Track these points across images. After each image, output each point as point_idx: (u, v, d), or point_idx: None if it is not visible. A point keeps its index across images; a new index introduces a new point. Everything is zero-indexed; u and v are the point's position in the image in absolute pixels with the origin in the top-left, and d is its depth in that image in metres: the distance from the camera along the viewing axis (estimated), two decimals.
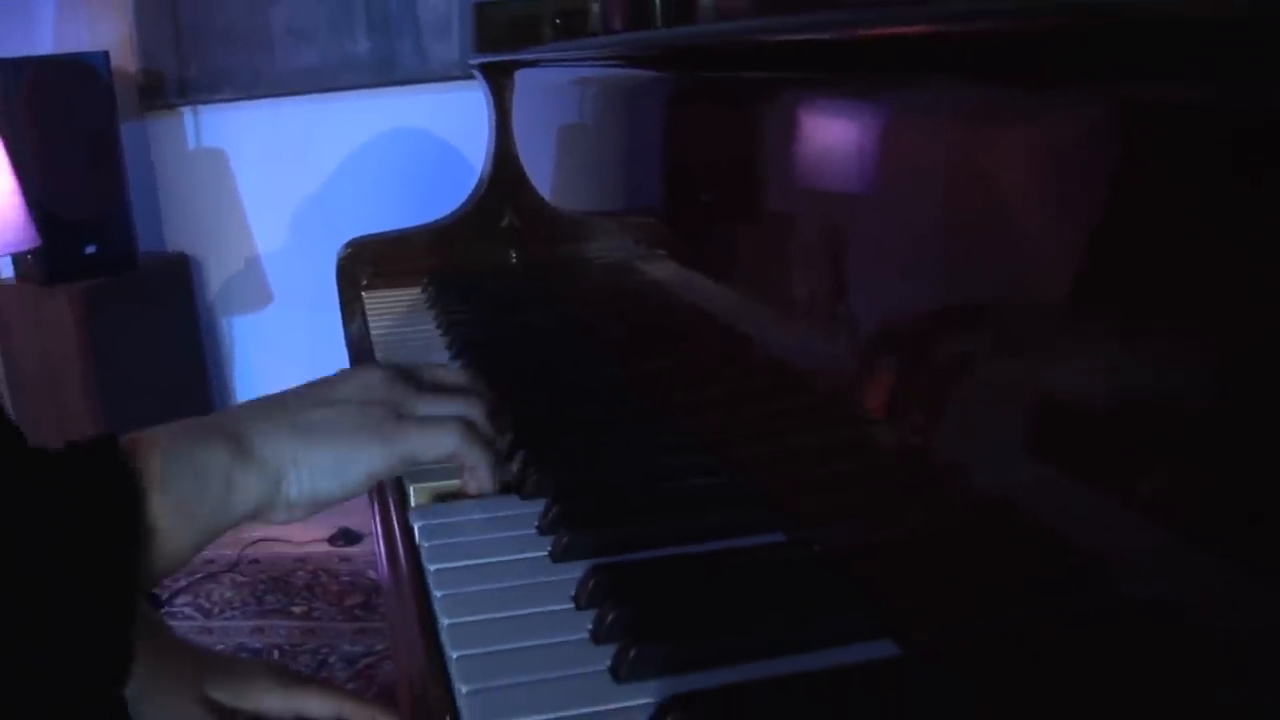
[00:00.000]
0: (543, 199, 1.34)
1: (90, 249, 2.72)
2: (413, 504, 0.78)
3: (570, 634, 0.59)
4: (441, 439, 0.71)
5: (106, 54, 2.76)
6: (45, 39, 2.98)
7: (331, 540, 2.67)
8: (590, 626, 0.59)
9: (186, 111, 3.06)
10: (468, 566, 0.68)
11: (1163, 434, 0.38)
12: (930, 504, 0.54)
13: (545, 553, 0.68)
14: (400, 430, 0.69)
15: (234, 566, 2.58)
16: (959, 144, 0.50)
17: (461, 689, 0.55)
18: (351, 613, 2.38)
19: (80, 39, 2.96)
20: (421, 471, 0.77)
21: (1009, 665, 0.48)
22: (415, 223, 1.50)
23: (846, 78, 0.61)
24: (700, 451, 0.83)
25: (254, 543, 2.63)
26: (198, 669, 0.85)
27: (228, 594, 2.49)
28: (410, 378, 0.74)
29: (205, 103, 3.04)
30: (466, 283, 1.35)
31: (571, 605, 0.62)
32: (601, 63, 1.04)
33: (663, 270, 0.93)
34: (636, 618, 0.58)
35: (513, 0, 1.43)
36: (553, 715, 0.52)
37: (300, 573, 2.57)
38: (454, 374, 0.78)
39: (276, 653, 2.24)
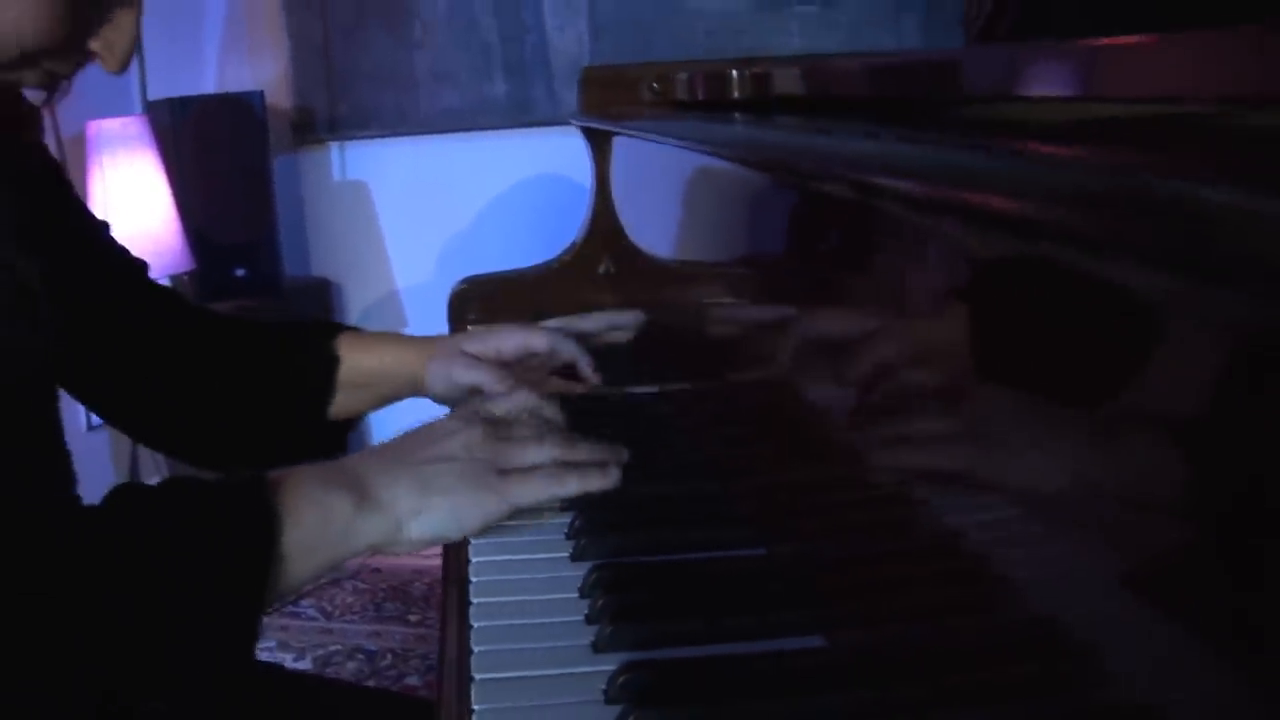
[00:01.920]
0: (637, 248, 1.46)
1: (240, 272, 2.88)
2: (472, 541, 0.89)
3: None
4: (539, 489, 0.83)
5: (262, 93, 2.94)
6: (210, 78, 3.19)
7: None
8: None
9: (334, 146, 3.23)
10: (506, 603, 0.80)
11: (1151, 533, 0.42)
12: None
13: (582, 618, 0.78)
14: (505, 483, 0.82)
15: (356, 574, 2.74)
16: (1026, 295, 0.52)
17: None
18: None
19: (241, 78, 3.16)
20: None
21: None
22: (544, 257, 1.63)
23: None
24: (749, 530, 0.89)
25: (377, 553, 2.78)
26: (457, 341, 1.12)
27: (349, 599, 2.65)
28: (503, 430, 0.87)
29: (352, 138, 3.21)
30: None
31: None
32: (685, 146, 1.16)
33: (743, 326, 1.03)
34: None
35: (616, 65, 1.55)
36: None
37: (418, 584, 2.72)
38: (535, 417, 0.91)
39: (390, 656, 2.40)
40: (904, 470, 0.66)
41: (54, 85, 0.86)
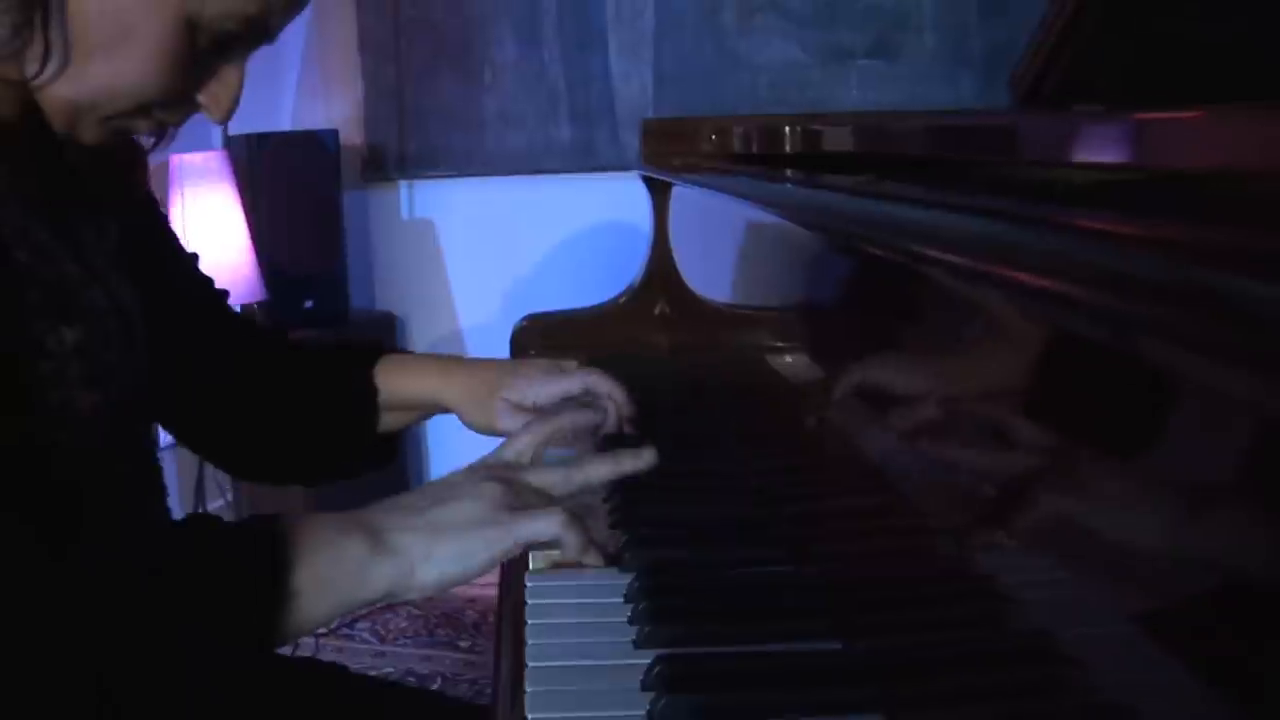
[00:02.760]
0: (693, 292, 1.53)
1: (308, 303, 2.97)
2: (530, 568, 0.93)
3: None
4: (544, 525, 0.86)
5: (336, 131, 3.05)
6: (286, 115, 3.31)
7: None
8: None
9: (404, 184, 3.33)
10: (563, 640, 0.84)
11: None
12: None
13: (630, 640, 0.81)
14: (512, 518, 0.85)
15: (410, 600, 2.81)
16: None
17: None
18: None
19: (315, 116, 3.27)
20: None
21: None
22: (604, 297, 1.71)
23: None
24: (789, 561, 0.92)
25: (391, 600, 2.85)
26: (494, 378, 1.18)
27: (403, 624, 2.73)
28: (514, 471, 0.92)
29: (421, 177, 3.30)
30: (620, 363, 1.55)
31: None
32: (740, 200, 1.23)
33: (793, 374, 1.09)
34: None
35: (675, 118, 1.63)
36: None
37: (470, 611, 2.79)
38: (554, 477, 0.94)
39: (440, 679, 2.47)
40: (934, 505, 0.71)
41: (163, 132, 0.94)
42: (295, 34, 3.25)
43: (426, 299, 3.38)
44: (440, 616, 2.76)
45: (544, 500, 0.90)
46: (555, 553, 0.90)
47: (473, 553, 0.83)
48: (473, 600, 2.82)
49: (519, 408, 1.14)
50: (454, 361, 1.26)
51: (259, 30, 0.89)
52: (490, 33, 3.18)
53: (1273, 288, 0.38)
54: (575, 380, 1.17)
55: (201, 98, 0.91)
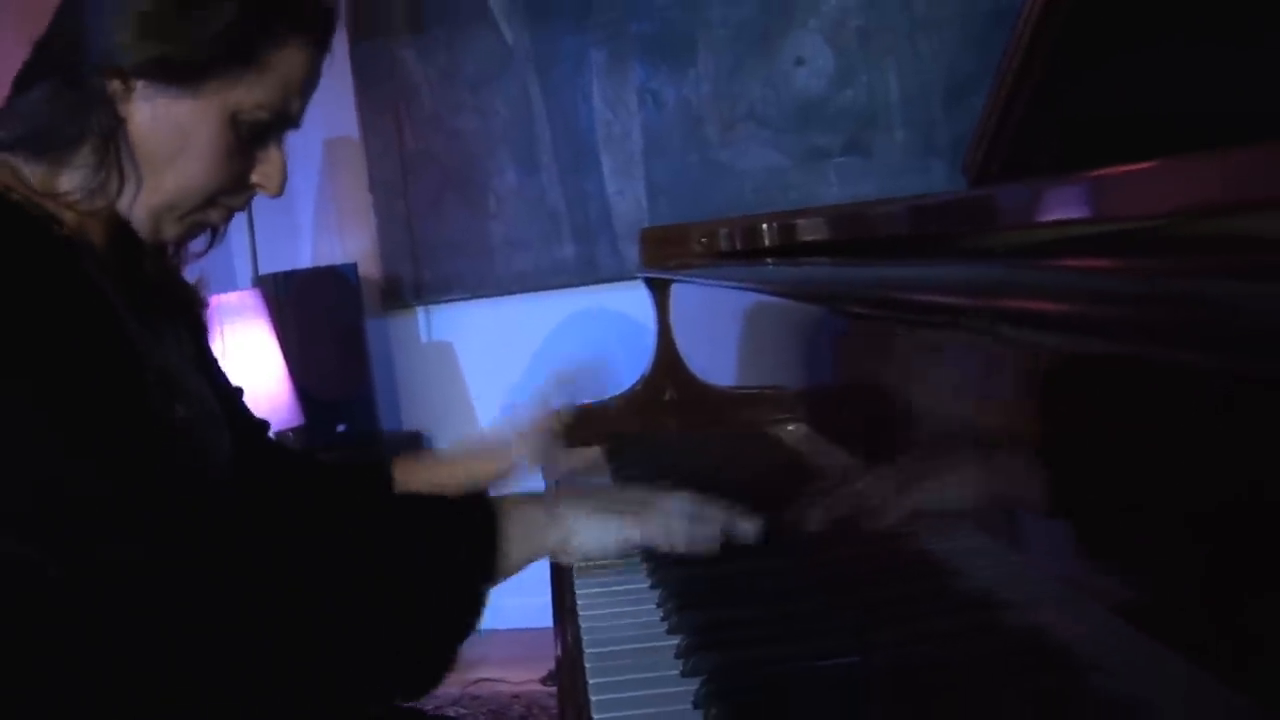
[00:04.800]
0: (695, 377, 1.73)
1: (341, 428, 3.14)
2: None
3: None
4: (657, 530, 1.10)
5: (355, 265, 3.25)
6: (306, 252, 3.52)
7: (543, 680, 2.96)
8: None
9: (420, 310, 3.51)
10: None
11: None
12: None
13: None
14: (637, 519, 1.11)
15: (457, 701, 2.94)
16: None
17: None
18: None
19: (334, 252, 3.48)
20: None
21: None
22: (614, 393, 1.89)
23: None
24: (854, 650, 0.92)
25: (475, 681, 2.99)
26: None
27: None
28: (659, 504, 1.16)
29: (436, 303, 3.48)
30: (636, 444, 1.73)
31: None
32: (732, 286, 1.42)
33: (790, 439, 1.23)
34: None
35: (668, 226, 1.84)
36: None
37: (516, 707, 2.91)
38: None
39: None
40: (933, 542, 0.78)
41: (227, 220, 1.14)
42: (309, 178, 3.45)
43: (451, 416, 3.52)
44: (487, 715, 2.89)
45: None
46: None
47: (607, 533, 1.11)
48: (517, 696, 2.94)
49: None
50: (460, 453, 1.53)
51: (285, 116, 1.09)
52: (491, 163, 3.38)
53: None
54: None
55: (255, 178, 1.11)
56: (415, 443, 3.45)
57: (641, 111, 3.29)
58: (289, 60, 1.06)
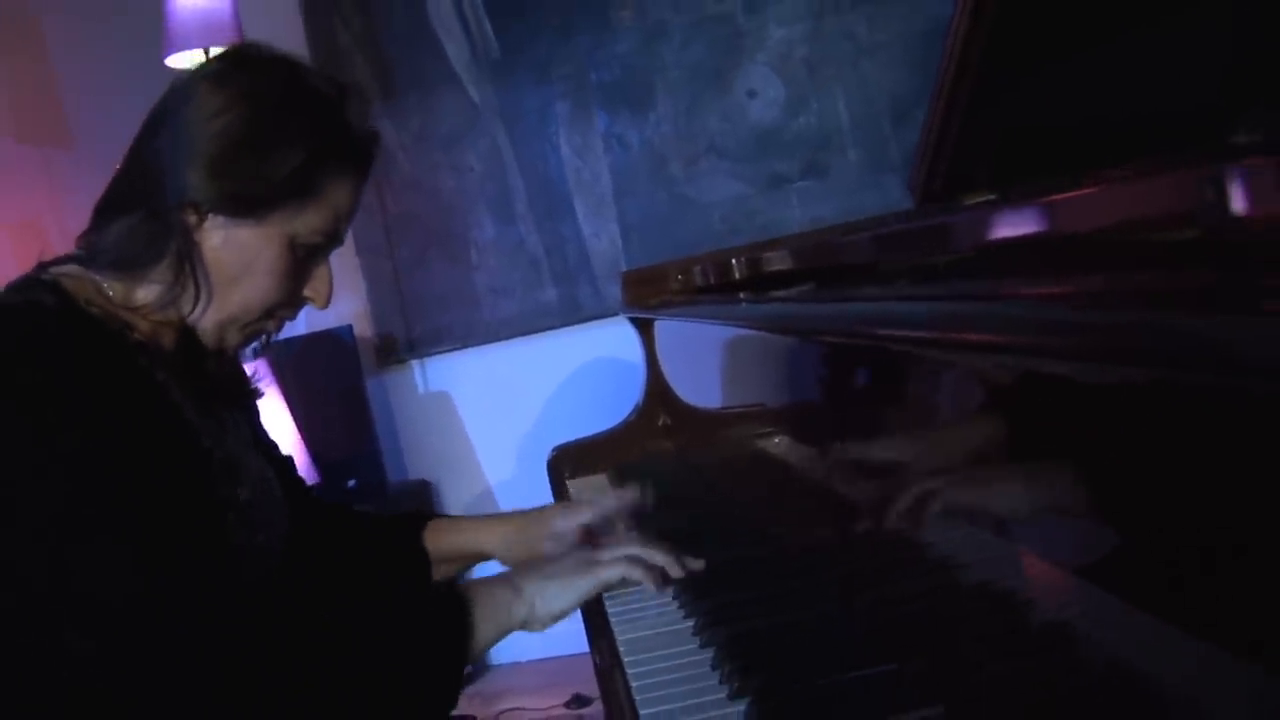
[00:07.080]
0: (685, 403, 1.88)
1: (351, 483, 3.25)
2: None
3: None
4: (618, 571, 1.23)
5: (350, 326, 3.37)
6: (302, 318, 3.62)
7: (567, 704, 3.00)
8: None
9: (415, 364, 3.61)
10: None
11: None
12: None
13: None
14: (595, 566, 1.22)
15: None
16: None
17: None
18: None
19: (328, 316, 3.51)
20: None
21: None
22: (607, 426, 2.04)
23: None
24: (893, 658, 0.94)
25: (504, 711, 3.06)
26: (522, 523, 1.49)
27: None
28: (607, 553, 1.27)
29: (429, 355, 3.59)
30: (639, 468, 1.88)
31: None
32: (710, 321, 1.57)
33: (779, 451, 1.33)
34: None
35: (646, 267, 2.00)
36: None
37: None
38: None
39: None
40: (920, 546, 0.83)
41: (280, 329, 1.25)
42: None
43: (453, 462, 3.63)
44: None
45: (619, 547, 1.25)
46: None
47: (568, 591, 1.20)
48: None
49: (556, 537, 1.47)
50: (487, 518, 1.58)
51: (335, 237, 1.21)
52: (469, 218, 3.50)
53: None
54: (589, 511, 1.48)
55: (307, 293, 1.23)
56: (423, 491, 3.55)
57: (608, 155, 3.41)
58: (341, 190, 1.17)
